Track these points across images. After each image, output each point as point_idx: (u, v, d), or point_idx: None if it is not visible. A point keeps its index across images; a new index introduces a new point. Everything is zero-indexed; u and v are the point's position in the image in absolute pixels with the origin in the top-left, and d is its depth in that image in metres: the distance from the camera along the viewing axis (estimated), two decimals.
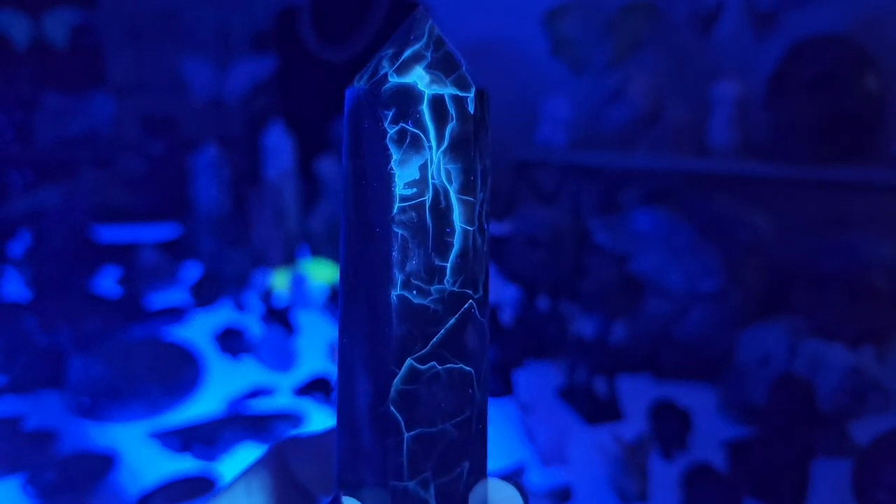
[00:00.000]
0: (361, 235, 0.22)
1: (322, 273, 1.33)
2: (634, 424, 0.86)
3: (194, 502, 0.72)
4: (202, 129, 2.07)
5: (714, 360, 0.94)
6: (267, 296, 1.25)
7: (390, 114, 0.21)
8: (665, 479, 0.75)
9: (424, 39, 0.22)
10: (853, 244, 0.94)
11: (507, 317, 1.11)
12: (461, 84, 0.22)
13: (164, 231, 1.62)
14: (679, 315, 0.96)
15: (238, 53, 2.18)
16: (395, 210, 0.21)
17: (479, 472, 0.23)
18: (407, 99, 0.21)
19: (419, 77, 0.21)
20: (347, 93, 0.22)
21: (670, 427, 0.81)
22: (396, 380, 0.21)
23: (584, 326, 0.94)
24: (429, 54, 0.22)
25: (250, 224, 1.47)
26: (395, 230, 0.21)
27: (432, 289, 0.21)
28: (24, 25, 1.95)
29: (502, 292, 1.08)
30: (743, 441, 0.78)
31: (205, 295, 1.27)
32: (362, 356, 0.22)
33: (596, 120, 1.49)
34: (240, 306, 1.26)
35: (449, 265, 0.22)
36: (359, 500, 0.22)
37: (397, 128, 0.21)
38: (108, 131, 1.95)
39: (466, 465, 0.22)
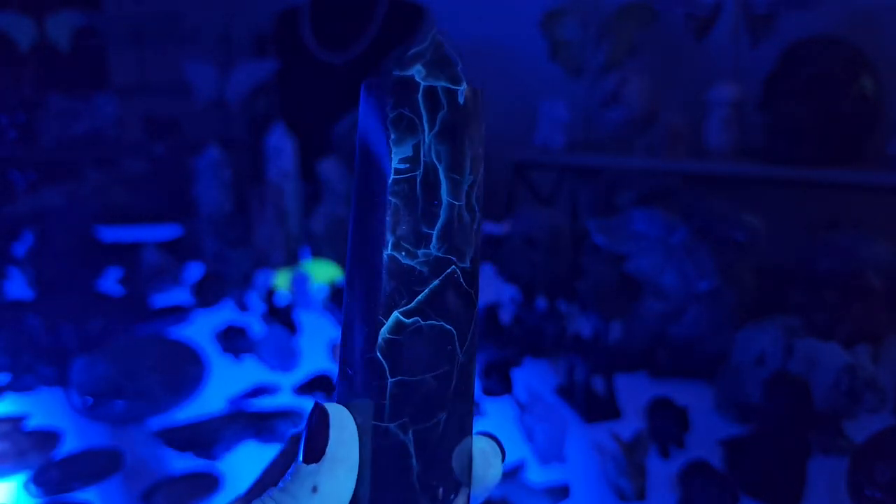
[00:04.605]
0: (365, 203, 0.25)
1: (323, 273, 1.33)
2: (632, 423, 0.86)
3: (196, 501, 0.73)
4: (204, 130, 2.08)
5: (710, 358, 0.95)
6: (269, 296, 1.26)
7: (391, 100, 0.24)
8: (662, 477, 0.75)
9: (427, 42, 0.25)
10: (848, 244, 0.95)
11: (505, 316, 1.12)
12: (454, 79, 0.25)
13: (166, 231, 1.63)
14: (676, 314, 0.97)
15: (240, 55, 2.19)
16: (390, 181, 0.24)
17: (462, 430, 0.25)
18: (405, 89, 0.24)
19: (417, 72, 0.25)
20: (362, 85, 0.26)
21: (667, 425, 0.82)
22: (384, 329, 0.24)
23: (581, 326, 0.95)
24: (428, 54, 0.25)
25: (252, 224, 1.47)
26: (390, 199, 0.24)
27: (419, 252, 0.25)
28: (27, 28, 1.96)
29: (501, 292, 1.09)
30: (739, 439, 0.78)
31: (207, 295, 1.28)
32: (360, 309, 0.25)
33: (593, 122, 1.50)
34: (242, 306, 1.27)
35: (435, 233, 0.25)
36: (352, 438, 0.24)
37: (396, 113, 0.24)
38: (110, 132, 1.96)
39: (444, 416, 0.25)
